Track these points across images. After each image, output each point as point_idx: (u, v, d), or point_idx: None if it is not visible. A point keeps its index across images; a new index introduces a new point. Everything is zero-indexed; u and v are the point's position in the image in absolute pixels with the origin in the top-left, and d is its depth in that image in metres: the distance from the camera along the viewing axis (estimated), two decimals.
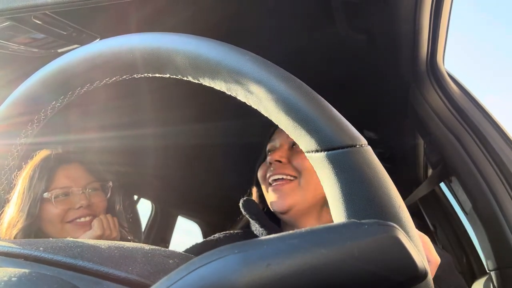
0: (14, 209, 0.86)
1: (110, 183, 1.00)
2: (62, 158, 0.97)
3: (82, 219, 0.92)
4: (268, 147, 0.89)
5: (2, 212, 0.80)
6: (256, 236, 0.81)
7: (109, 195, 0.99)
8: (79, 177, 0.95)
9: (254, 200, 0.87)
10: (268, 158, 0.83)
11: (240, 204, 0.83)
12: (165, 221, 2.16)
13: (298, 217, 0.80)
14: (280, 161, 0.81)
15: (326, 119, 0.25)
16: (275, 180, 0.80)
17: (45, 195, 0.90)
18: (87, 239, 0.88)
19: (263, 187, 0.85)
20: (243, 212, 0.83)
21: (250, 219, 0.83)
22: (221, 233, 0.89)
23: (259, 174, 0.86)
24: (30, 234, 0.87)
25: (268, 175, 0.82)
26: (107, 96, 1.02)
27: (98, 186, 0.98)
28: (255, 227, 0.83)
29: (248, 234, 0.86)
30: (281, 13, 0.75)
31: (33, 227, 0.89)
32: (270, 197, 0.81)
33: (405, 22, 0.71)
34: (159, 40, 0.29)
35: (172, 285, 0.18)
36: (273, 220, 0.84)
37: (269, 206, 0.83)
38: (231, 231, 0.91)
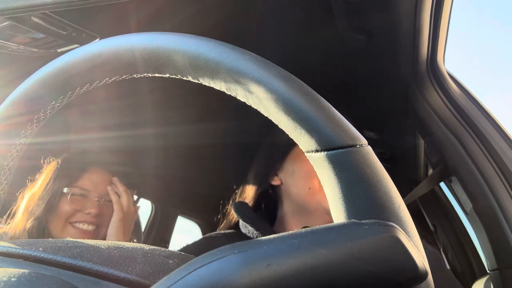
0: (35, 194, 0.87)
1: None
2: (94, 159, 0.99)
3: (85, 226, 0.92)
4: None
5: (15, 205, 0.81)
6: (248, 237, 0.82)
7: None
8: (100, 183, 0.96)
9: (246, 203, 0.87)
10: None
11: (233, 207, 0.84)
12: (165, 221, 2.16)
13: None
14: None
15: (326, 119, 0.25)
16: None
17: (65, 189, 0.91)
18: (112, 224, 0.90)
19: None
20: (236, 215, 0.84)
21: (244, 222, 0.83)
22: (213, 233, 0.90)
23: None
24: (41, 226, 0.89)
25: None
26: (107, 96, 1.02)
27: None
28: (248, 229, 0.83)
29: (240, 234, 0.87)
30: (281, 13, 0.75)
31: (44, 220, 0.90)
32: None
33: (405, 22, 0.71)
34: (159, 39, 0.29)
35: (172, 285, 0.18)
36: (265, 221, 0.85)
37: (319, 201, 0.81)
38: (223, 231, 0.92)
